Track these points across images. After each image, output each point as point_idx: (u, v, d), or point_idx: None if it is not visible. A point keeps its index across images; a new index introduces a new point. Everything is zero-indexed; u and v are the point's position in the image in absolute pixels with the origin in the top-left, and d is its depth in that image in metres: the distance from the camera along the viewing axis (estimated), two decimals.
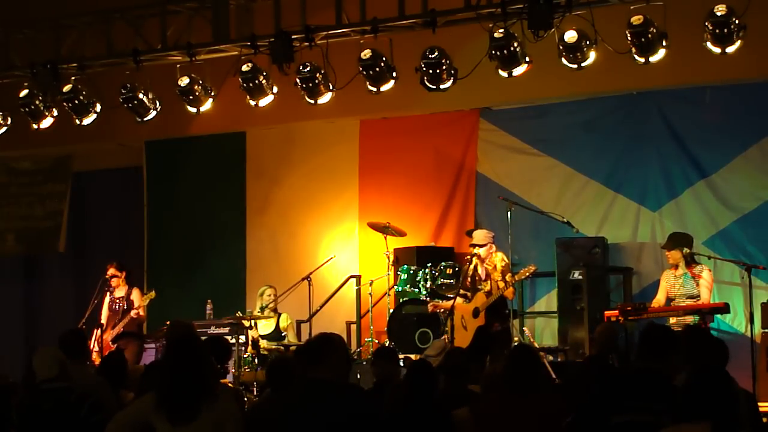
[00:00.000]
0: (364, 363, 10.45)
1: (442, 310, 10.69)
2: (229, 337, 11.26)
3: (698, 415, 4.32)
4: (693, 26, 9.03)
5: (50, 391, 6.23)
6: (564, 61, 9.17)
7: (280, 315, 11.46)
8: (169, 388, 5.22)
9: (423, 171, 12.42)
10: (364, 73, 9.68)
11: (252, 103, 10.34)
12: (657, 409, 4.89)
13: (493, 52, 9.17)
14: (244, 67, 10.05)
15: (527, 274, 10.33)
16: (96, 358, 11.02)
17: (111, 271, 11.77)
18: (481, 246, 10.42)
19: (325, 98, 10.15)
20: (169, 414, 5.17)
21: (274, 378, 6.59)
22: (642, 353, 5.27)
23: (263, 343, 11.07)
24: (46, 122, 11.15)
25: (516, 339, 10.54)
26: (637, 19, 8.76)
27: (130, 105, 10.71)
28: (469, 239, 11.01)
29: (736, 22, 8.66)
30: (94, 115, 11.00)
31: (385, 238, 11.60)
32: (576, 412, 5.21)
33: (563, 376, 9.28)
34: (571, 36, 8.96)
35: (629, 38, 8.86)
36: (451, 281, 10.82)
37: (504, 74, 9.36)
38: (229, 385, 9.74)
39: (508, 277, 10.30)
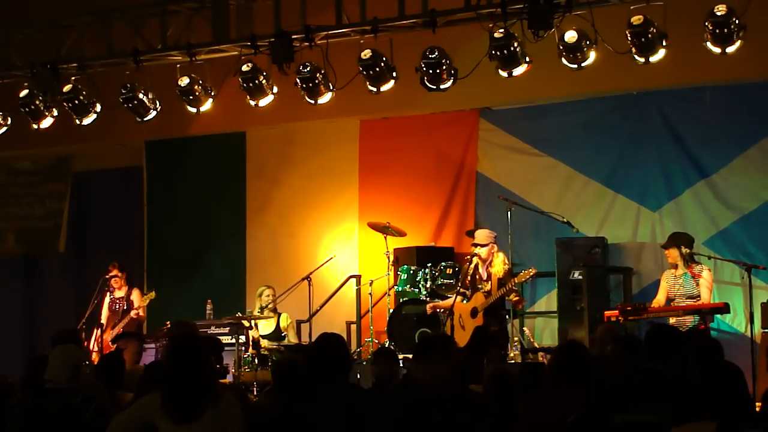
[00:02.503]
0: (364, 363, 10.46)
1: (440, 309, 10.69)
2: (228, 337, 11.29)
3: (709, 412, 4.32)
4: (693, 26, 9.02)
5: (56, 391, 6.21)
6: (564, 61, 9.16)
7: (280, 315, 11.46)
8: (174, 387, 5.22)
9: (423, 171, 12.42)
10: (364, 73, 9.67)
11: (252, 103, 10.34)
12: (660, 409, 4.89)
13: (493, 52, 9.17)
14: (244, 67, 10.05)
15: (527, 277, 10.31)
16: (96, 358, 11.03)
17: (114, 272, 11.78)
18: (482, 246, 10.40)
19: (325, 98, 10.15)
20: (173, 413, 5.17)
21: (281, 379, 6.57)
22: (649, 353, 5.26)
23: (264, 343, 11.07)
24: (46, 122, 11.15)
25: (516, 339, 10.54)
26: (637, 19, 8.75)
27: (130, 105, 10.71)
28: (469, 239, 11.00)
29: (736, 22, 8.65)
30: (94, 115, 10.99)
31: (385, 238, 11.60)
32: (578, 412, 5.21)
33: None
34: (571, 36, 8.95)
35: (629, 38, 8.85)
36: (451, 281, 10.82)
37: (504, 74, 9.36)
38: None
39: (510, 283, 10.25)
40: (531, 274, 10.24)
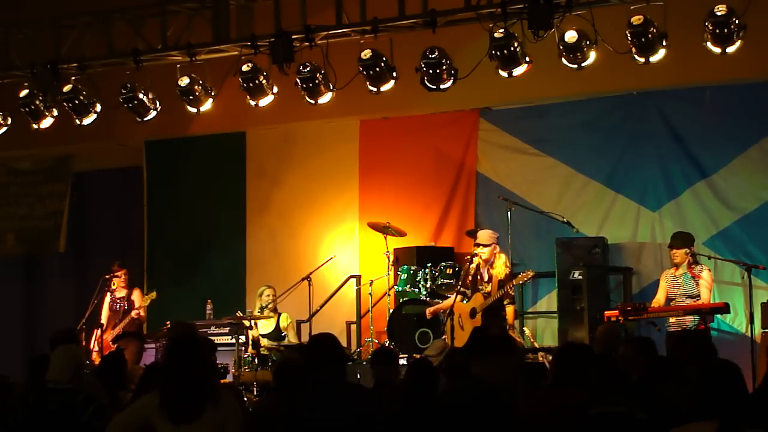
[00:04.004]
0: (364, 363, 10.45)
1: (441, 311, 10.67)
2: (229, 337, 11.30)
3: (709, 412, 4.32)
4: (693, 26, 9.03)
5: (57, 392, 6.22)
6: (564, 61, 9.16)
7: (280, 315, 11.46)
8: (172, 387, 5.22)
9: (423, 171, 12.42)
10: (364, 73, 9.67)
11: (252, 103, 10.34)
12: (630, 402, 4.99)
13: (493, 52, 9.17)
14: (244, 67, 10.05)
15: (525, 279, 10.30)
16: (96, 358, 11.04)
17: (121, 272, 11.78)
18: (485, 246, 10.38)
19: (325, 98, 10.15)
20: (171, 414, 5.16)
21: (282, 378, 6.56)
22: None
23: (264, 342, 11.07)
24: (46, 122, 11.15)
25: (516, 339, 10.53)
26: (637, 19, 8.75)
27: (130, 105, 10.71)
28: (469, 239, 11.00)
29: (736, 22, 8.65)
30: (94, 115, 11.00)
31: (385, 238, 11.60)
32: (577, 410, 5.22)
33: None
34: (571, 36, 8.95)
35: (629, 38, 8.85)
36: (451, 281, 10.81)
37: (504, 74, 9.36)
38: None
39: (509, 284, 10.23)
40: (529, 276, 10.23)
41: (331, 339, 5.69)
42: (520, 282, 10.35)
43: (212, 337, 11.40)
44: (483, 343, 5.56)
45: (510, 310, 10.30)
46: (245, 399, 9.35)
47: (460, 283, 10.41)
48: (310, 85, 9.93)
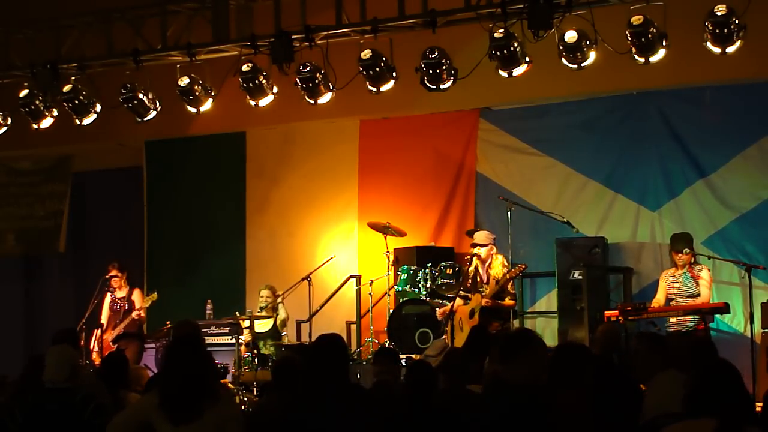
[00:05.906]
0: (365, 363, 10.46)
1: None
2: (229, 337, 11.30)
3: (707, 411, 4.32)
4: (693, 26, 9.03)
5: (56, 391, 6.22)
6: (564, 61, 9.16)
7: (277, 315, 11.47)
8: (171, 388, 5.22)
9: (423, 171, 12.42)
10: (364, 73, 9.67)
11: (252, 103, 10.34)
12: None
13: (493, 52, 9.17)
14: (244, 67, 10.05)
15: (517, 273, 10.34)
16: (96, 358, 11.04)
17: (114, 272, 11.77)
18: (482, 246, 10.40)
19: (325, 98, 10.15)
20: (170, 414, 5.17)
21: (280, 378, 6.56)
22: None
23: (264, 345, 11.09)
24: (46, 122, 11.15)
25: None
26: (637, 19, 8.75)
27: (130, 105, 10.71)
28: (469, 239, 11.01)
29: (736, 22, 8.66)
30: (94, 115, 10.99)
31: (385, 238, 11.60)
32: None
33: None
34: (571, 36, 8.96)
35: (629, 38, 8.85)
36: (451, 281, 10.82)
37: (504, 74, 9.36)
38: (229, 385, 9.78)
39: (503, 279, 10.24)
40: (521, 269, 10.27)
41: (339, 340, 5.68)
42: (513, 276, 10.36)
43: (212, 337, 11.44)
44: (505, 345, 5.43)
45: (508, 302, 10.33)
46: (245, 399, 9.36)
47: (461, 286, 10.42)
48: (310, 85, 9.94)
